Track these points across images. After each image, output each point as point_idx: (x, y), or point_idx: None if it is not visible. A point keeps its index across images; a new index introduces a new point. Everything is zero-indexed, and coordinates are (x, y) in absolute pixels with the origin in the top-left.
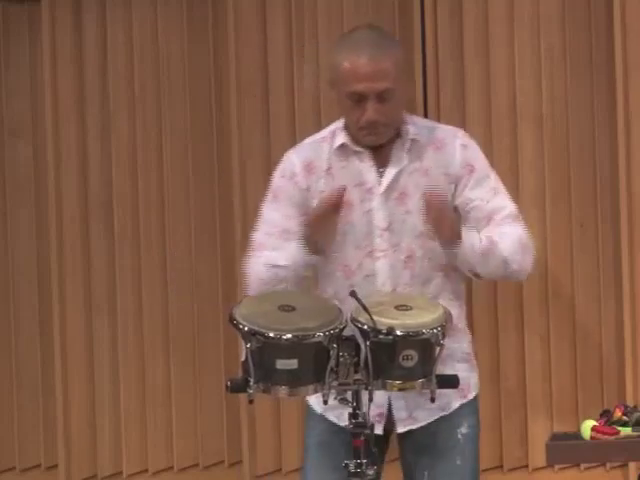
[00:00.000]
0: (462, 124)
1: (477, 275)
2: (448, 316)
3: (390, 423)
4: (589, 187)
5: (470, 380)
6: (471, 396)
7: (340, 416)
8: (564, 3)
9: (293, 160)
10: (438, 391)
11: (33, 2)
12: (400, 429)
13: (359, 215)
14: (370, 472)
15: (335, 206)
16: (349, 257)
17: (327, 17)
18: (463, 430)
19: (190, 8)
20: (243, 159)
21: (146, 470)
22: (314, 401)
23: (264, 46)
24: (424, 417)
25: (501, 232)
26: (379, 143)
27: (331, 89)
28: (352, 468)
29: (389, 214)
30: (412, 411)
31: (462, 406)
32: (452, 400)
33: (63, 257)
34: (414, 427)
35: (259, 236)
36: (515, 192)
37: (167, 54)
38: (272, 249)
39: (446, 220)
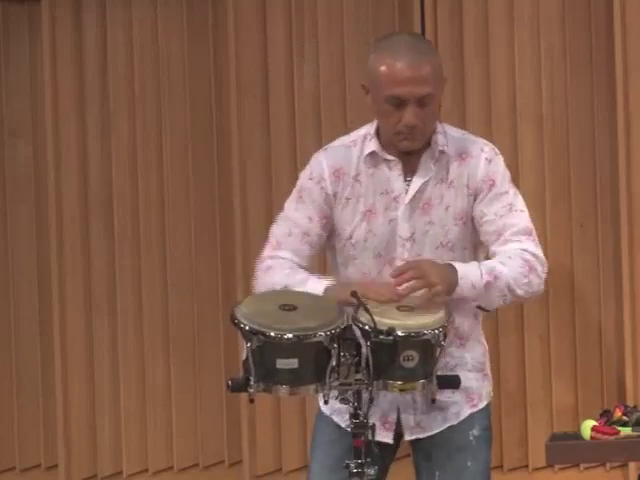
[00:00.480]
0: (462, 124)
1: (482, 308)
2: (450, 317)
3: (398, 430)
4: (589, 187)
5: (482, 390)
6: (482, 405)
7: (342, 418)
8: (564, 3)
9: (322, 164)
10: (448, 400)
11: (33, 2)
12: (408, 437)
13: (383, 223)
14: (371, 472)
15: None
16: (368, 264)
17: (327, 17)
18: (475, 432)
19: (190, 8)
20: (243, 159)
21: (146, 470)
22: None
23: (264, 46)
24: (433, 426)
25: (506, 255)
26: (414, 148)
27: (365, 93)
28: (353, 468)
29: (413, 224)
30: (420, 420)
31: (472, 414)
32: (462, 410)
33: (63, 257)
34: (422, 436)
35: (279, 233)
36: None
37: (167, 54)
38: (290, 250)
39: (436, 282)
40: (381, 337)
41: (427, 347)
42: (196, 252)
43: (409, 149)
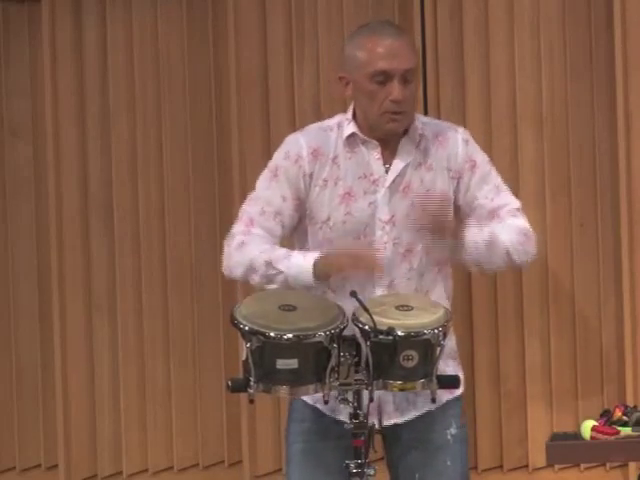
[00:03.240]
0: (462, 124)
1: (482, 269)
2: (449, 316)
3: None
4: (589, 187)
5: (452, 367)
6: (458, 392)
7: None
8: (564, 3)
9: (301, 143)
10: None
11: (33, 2)
12: (386, 422)
13: (362, 206)
14: (371, 472)
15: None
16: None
17: (327, 17)
18: (452, 431)
19: (190, 8)
20: (243, 159)
21: (146, 470)
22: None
23: (264, 46)
24: (411, 411)
25: (503, 224)
26: (399, 130)
27: (344, 85)
28: (353, 468)
29: (393, 207)
30: (399, 405)
31: (449, 403)
32: (440, 395)
33: (63, 257)
34: (400, 421)
35: (252, 211)
36: (515, 192)
37: (167, 54)
38: (262, 228)
39: (444, 222)
40: (381, 337)
41: (427, 347)
42: (196, 252)
43: (395, 131)
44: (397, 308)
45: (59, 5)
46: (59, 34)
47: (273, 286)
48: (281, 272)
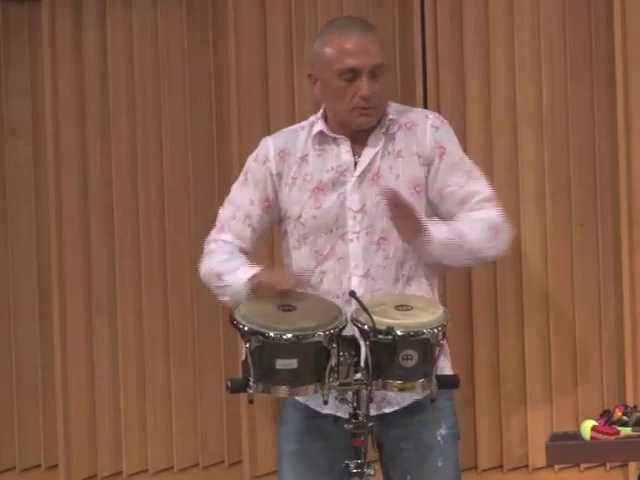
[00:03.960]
0: (462, 124)
1: (447, 268)
2: (449, 316)
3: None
4: (589, 187)
5: (444, 364)
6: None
7: (317, 403)
8: (564, 3)
9: (269, 145)
10: None
11: (33, 2)
12: (374, 411)
13: (332, 199)
14: (371, 472)
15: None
16: (320, 242)
17: (327, 17)
18: (442, 431)
19: (190, 8)
20: (243, 159)
21: (146, 470)
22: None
23: (264, 46)
24: (399, 400)
25: (472, 220)
26: (370, 125)
27: (313, 83)
28: (353, 468)
29: (363, 196)
30: (386, 394)
31: (439, 403)
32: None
33: (63, 257)
34: (387, 410)
35: (224, 216)
36: (515, 192)
37: (167, 54)
38: (232, 234)
39: (410, 216)
40: (380, 337)
41: (426, 346)
42: (196, 252)
43: (365, 126)
44: (396, 308)
45: (59, 5)
46: (59, 34)
47: (226, 299)
48: (228, 285)
